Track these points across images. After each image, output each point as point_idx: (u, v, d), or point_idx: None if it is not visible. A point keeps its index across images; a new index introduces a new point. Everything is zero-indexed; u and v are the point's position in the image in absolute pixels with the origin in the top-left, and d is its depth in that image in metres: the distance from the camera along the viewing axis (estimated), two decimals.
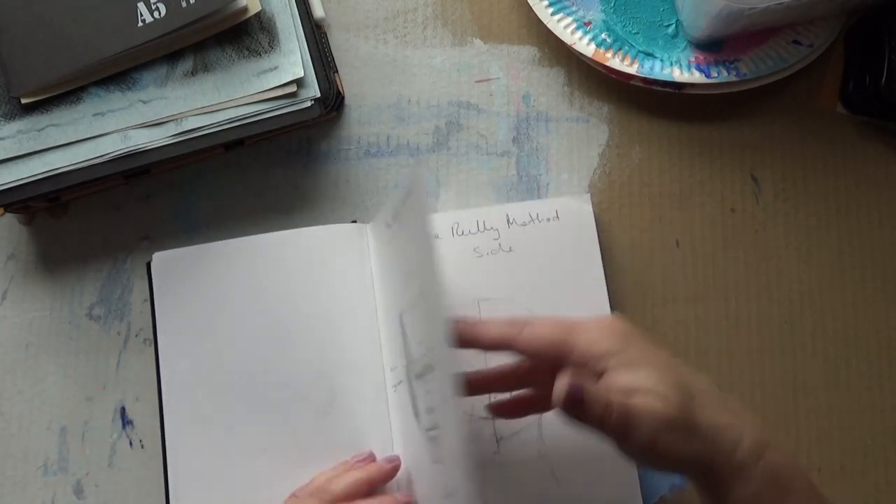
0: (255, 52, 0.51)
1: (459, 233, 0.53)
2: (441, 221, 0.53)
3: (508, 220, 0.53)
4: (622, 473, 0.50)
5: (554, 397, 0.38)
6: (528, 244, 0.53)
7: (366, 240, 0.52)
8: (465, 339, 0.43)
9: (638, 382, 0.39)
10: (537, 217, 0.53)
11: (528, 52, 0.57)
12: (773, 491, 0.39)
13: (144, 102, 0.51)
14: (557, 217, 0.53)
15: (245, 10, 0.50)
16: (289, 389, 0.50)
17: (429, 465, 0.45)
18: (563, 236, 0.53)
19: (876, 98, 0.53)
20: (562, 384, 0.38)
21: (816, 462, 0.53)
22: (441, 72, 0.57)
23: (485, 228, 0.53)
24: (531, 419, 0.51)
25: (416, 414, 0.46)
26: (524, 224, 0.53)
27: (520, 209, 0.53)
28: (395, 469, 0.48)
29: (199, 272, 0.51)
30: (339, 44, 0.57)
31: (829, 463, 0.53)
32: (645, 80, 0.54)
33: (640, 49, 0.55)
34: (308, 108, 0.51)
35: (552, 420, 0.51)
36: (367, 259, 0.52)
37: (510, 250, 0.53)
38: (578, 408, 0.38)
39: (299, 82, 0.51)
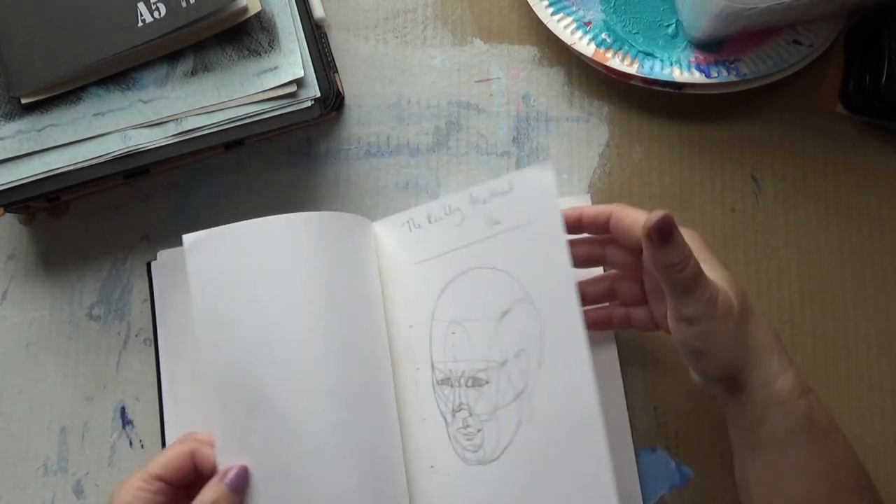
0: (255, 52, 0.51)
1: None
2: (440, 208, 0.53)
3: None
4: (622, 473, 0.50)
5: (644, 223, 0.39)
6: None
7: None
8: (571, 221, 0.46)
9: (710, 273, 0.41)
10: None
11: (528, 52, 0.57)
12: (808, 434, 0.39)
13: (144, 102, 0.51)
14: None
15: (245, 10, 0.50)
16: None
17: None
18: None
19: (876, 98, 0.53)
20: (654, 215, 0.39)
21: None
22: (441, 72, 0.57)
23: None
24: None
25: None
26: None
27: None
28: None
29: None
30: (339, 44, 0.57)
31: None
32: (645, 80, 0.54)
33: (640, 49, 0.55)
34: (308, 108, 0.51)
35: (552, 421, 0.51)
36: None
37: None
38: (660, 241, 0.39)
39: (299, 82, 0.51)
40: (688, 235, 0.43)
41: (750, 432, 0.41)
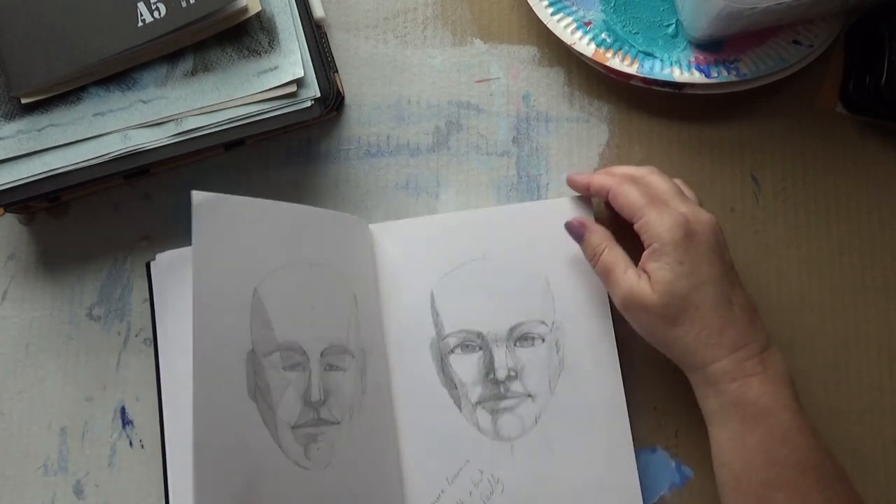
0: (255, 52, 0.51)
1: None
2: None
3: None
4: (622, 473, 0.50)
5: (565, 224, 0.50)
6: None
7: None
8: (578, 183, 0.52)
9: (657, 263, 0.45)
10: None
11: (528, 52, 0.57)
12: (741, 411, 0.44)
13: (144, 102, 0.51)
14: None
15: (245, 10, 0.50)
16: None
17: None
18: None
19: (876, 98, 0.53)
20: (571, 219, 0.50)
21: None
22: (441, 72, 0.57)
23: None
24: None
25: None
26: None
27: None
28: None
29: None
30: (339, 44, 0.57)
31: None
32: (645, 80, 0.54)
33: (640, 49, 0.55)
34: (308, 107, 0.51)
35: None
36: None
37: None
38: (575, 240, 0.50)
39: (299, 82, 0.51)
40: (673, 229, 0.45)
41: (701, 406, 0.47)
